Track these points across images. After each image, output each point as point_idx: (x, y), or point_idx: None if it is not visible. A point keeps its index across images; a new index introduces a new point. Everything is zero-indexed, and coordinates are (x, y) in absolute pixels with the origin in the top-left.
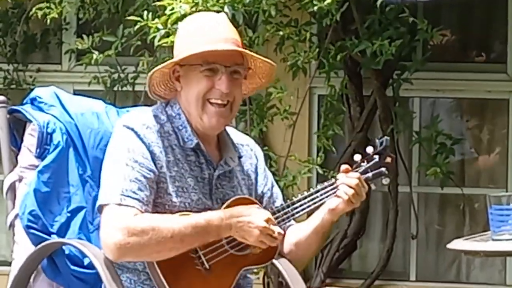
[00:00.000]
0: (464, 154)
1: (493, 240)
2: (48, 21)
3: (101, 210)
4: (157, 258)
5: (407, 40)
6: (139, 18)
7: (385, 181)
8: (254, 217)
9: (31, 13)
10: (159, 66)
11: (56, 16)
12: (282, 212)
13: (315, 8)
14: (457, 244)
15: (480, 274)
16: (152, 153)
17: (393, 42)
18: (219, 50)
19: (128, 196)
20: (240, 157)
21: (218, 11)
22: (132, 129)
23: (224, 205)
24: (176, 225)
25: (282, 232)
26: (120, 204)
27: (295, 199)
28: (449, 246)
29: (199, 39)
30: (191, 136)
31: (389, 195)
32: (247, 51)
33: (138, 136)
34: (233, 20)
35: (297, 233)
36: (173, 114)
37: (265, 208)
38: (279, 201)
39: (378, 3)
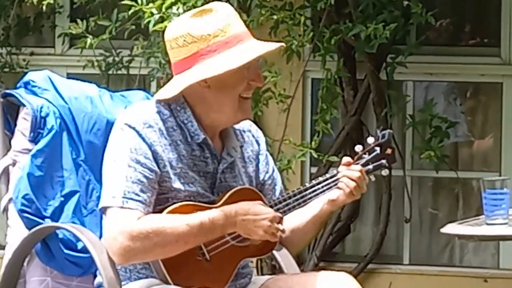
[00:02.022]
0: (457, 137)
1: (487, 224)
2: (44, 7)
3: (103, 211)
4: (163, 257)
5: (401, 23)
6: (133, 3)
7: (385, 172)
8: (259, 216)
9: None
10: (190, 82)
11: (51, 1)
12: (283, 204)
13: None
14: (451, 228)
15: (473, 258)
16: (154, 153)
17: (387, 25)
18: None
19: (130, 199)
20: (241, 146)
21: None
22: (134, 128)
23: (227, 195)
24: (181, 228)
25: (286, 230)
26: (122, 207)
27: (296, 191)
28: (443, 230)
29: (231, 38)
30: (198, 131)
31: (383, 179)
32: (272, 46)
33: (140, 135)
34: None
35: (295, 220)
36: (177, 108)
37: (265, 195)
38: (278, 187)
39: None
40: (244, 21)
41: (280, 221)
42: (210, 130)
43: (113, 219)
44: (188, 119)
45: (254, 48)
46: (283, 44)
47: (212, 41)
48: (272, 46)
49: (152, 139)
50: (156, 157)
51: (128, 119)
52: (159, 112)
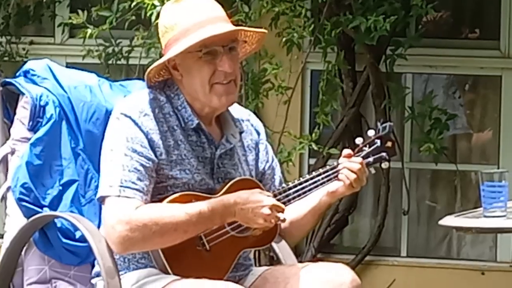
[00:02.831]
0: (456, 130)
1: (485, 216)
2: None
3: (101, 200)
4: (162, 247)
5: (401, 15)
6: None
7: (384, 165)
8: (259, 203)
9: None
10: (156, 64)
11: None
12: (283, 195)
13: None
14: (449, 221)
15: (471, 250)
16: (150, 141)
17: (388, 18)
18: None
19: (127, 187)
20: (241, 132)
21: None
22: (130, 117)
23: (227, 186)
24: (180, 217)
25: (286, 218)
26: (119, 196)
27: (296, 182)
28: (441, 222)
29: (190, 25)
30: (191, 117)
31: (381, 171)
32: (242, 27)
33: (136, 124)
34: None
35: (293, 211)
36: (171, 94)
37: (265, 185)
38: (278, 176)
39: None
40: (246, 13)
41: (281, 210)
42: (203, 115)
43: (111, 208)
44: (182, 105)
45: (208, 32)
46: (244, 28)
47: (176, 29)
48: (230, 28)
49: (148, 127)
50: (152, 145)
51: (124, 108)
52: (155, 99)
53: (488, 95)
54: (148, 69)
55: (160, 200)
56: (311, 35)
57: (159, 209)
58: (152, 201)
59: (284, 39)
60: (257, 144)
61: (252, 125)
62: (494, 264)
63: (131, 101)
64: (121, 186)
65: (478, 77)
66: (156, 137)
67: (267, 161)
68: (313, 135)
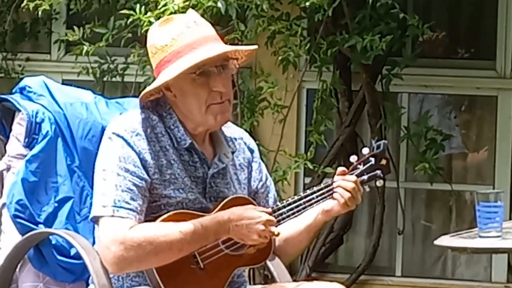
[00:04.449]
0: (451, 150)
1: (480, 237)
2: (40, 12)
3: (95, 220)
4: (158, 265)
5: (397, 35)
6: (131, 12)
7: (379, 183)
8: (253, 220)
9: (22, 5)
10: (150, 88)
11: (48, 8)
12: (277, 213)
13: (307, 3)
14: (445, 241)
15: (465, 270)
16: (143, 160)
17: (384, 37)
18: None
19: (121, 207)
20: (233, 152)
21: (211, 6)
22: (122, 137)
23: (221, 205)
24: (174, 236)
25: (281, 232)
26: (113, 216)
27: (291, 200)
28: (437, 242)
29: (182, 47)
30: (184, 136)
31: (376, 190)
32: (234, 47)
33: (128, 144)
34: (226, 14)
35: (288, 229)
36: (164, 113)
37: (258, 204)
38: (272, 194)
39: None
40: (242, 32)
41: (273, 224)
42: (196, 135)
43: (105, 229)
44: (175, 124)
45: (200, 55)
46: (237, 48)
47: (168, 51)
48: (222, 49)
49: (140, 147)
50: (145, 164)
51: (116, 128)
52: (147, 118)
53: (483, 115)
54: (142, 93)
55: (155, 219)
56: (307, 54)
57: (154, 228)
58: (146, 220)
59: (280, 57)
60: (249, 162)
61: (245, 143)
62: (489, 285)
63: (123, 121)
64: (114, 206)
65: (474, 97)
66: (148, 156)
67: (260, 180)
68: (308, 153)
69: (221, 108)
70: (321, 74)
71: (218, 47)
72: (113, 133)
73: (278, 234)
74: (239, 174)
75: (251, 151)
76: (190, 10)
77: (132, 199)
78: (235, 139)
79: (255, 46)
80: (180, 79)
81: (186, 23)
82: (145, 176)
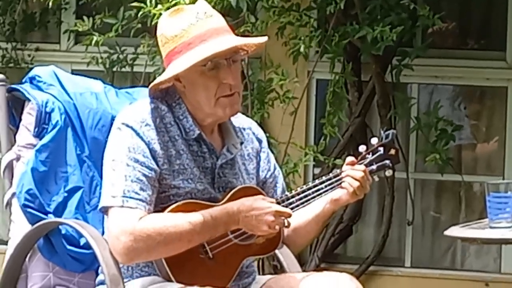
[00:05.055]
0: (461, 140)
1: (491, 227)
2: (50, 3)
3: (104, 211)
4: (167, 256)
5: (408, 26)
6: (142, 4)
7: (388, 173)
8: (263, 210)
9: None
10: (160, 79)
11: None
12: (286, 203)
13: None
14: (455, 231)
15: (475, 261)
16: (152, 151)
17: (394, 28)
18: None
19: (130, 198)
20: (241, 142)
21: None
22: (132, 127)
23: (229, 195)
24: (183, 226)
25: (290, 223)
26: (123, 206)
27: (299, 190)
28: (447, 232)
29: (193, 38)
30: (193, 127)
31: (386, 180)
32: (245, 41)
33: (138, 134)
34: (237, 6)
35: (297, 219)
36: (173, 104)
37: (267, 194)
38: (280, 184)
39: None
40: (253, 24)
41: (286, 215)
42: (205, 125)
43: (114, 219)
44: (184, 114)
45: (211, 48)
46: (248, 40)
47: (178, 42)
48: (234, 41)
49: (150, 137)
50: (154, 155)
51: (125, 118)
52: (156, 108)
53: (494, 106)
54: (152, 83)
55: (163, 210)
56: (318, 46)
57: (163, 219)
58: (155, 211)
59: (290, 49)
60: (258, 152)
61: (253, 133)
62: (498, 276)
63: (132, 111)
64: (124, 197)
65: (484, 88)
66: (157, 147)
67: (269, 170)
68: (319, 146)
69: (231, 101)
70: (333, 66)
71: (229, 40)
72: (122, 123)
73: (288, 225)
74: (248, 164)
75: (260, 141)
76: (201, 1)
77: (141, 189)
78: (244, 129)
79: (265, 38)
80: (190, 70)
81: (197, 14)
82: (155, 166)
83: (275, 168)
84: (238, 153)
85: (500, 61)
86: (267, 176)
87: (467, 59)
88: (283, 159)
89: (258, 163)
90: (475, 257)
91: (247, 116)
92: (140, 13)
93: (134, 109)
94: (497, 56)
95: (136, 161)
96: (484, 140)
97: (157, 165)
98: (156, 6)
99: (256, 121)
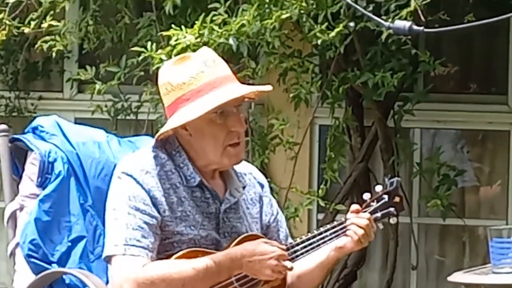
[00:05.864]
0: (464, 183)
1: (494, 273)
2: (54, 53)
3: (108, 260)
4: None
5: (409, 71)
6: (143, 49)
7: (393, 220)
8: (266, 255)
9: (36, 46)
10: (168, 127)
11: (62, 48)
12: (291, 251)
13: (319, 41)
14: (458, 277)
15: None
16: (153, 198)
17: (395, 73)
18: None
19: (132, 245)
20: (244, 186)
21: (223, 43)
22: (131, 176)
23: (234, 243)
24: (187, 273)
25: (294, 266)
26: (125, 254)
27: (304, 237)
28: (450, 278)
29: (202, 86)
30: (193, 174)
31: (389, 226)
32: (254, 88)
33: (138, 182)
34: (237, 52)
35: (302, 266)
36: (172, 152)
37: (270, 238)
38: (283, 229)
39: (383, 36)
40: (253, 69)
41: (286, 258)
42: (206, 172)
43: (117, 268)
44: (184, 162)
45: (223, 95)
46: (259, 87)
47: (187, 89)
48: (245, 90)
49: (150, 185)
50: (155, 202)
51: (125, 167)
52: (156, 157)
53: (496, 150)
54: (160, 131)
55: (168, 257)
56: (319, 91)
57: (166, 266)
58: (160, 258)
59: (291, 95)
60: (261, 197)
61: (254, 178)
62: None
63: (132, 160)
64: (126, 245)
65: (486, 132)
66: (158, 194)
67: (272, 214)
68: (320, 191)
69: (237, 151)
70: (333, 111)
71: (238, 88)
72: (122, 172)
73: (291, 269)
74: (251, 208)
75: (262, 186)
76: (206, 48)
77: (143, 236)
78: (245, 174)
79: (270, 87)
80: (198, 118)
81: (205, 62)
82: (155, 213)
83: (277, 213)
84: (241, 197)
85: (502, 105)
86: (271, 220)
87: (469, 103)
88: (284, 204)
89: (261, 207)
90: None
91: (248, 161)
92: (141, 58)
93: (134, 157)
94: (499, 100)
95: (137, 209)
96: (487, 184)
97: (158, 212)
98: (157, 51)
99: (257, 167)
